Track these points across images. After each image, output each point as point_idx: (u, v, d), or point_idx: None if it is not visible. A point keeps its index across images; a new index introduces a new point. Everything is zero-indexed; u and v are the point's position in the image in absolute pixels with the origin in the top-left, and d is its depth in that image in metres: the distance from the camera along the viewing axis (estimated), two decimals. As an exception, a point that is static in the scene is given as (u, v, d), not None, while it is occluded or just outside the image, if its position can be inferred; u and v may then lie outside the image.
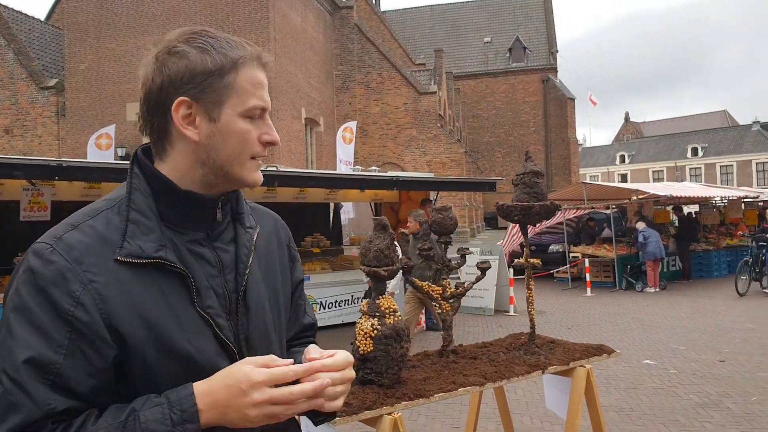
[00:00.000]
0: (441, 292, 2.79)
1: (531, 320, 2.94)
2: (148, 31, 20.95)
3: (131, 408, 0.91)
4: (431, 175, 14.30)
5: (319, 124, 25.72)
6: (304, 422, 2.40)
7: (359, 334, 2.28)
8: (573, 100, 40.51)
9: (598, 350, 2.87)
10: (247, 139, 1.04)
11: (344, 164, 16.07)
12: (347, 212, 14.07)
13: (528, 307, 2.96)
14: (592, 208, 15.47)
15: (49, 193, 7.61)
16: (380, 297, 2.34)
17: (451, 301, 2.80)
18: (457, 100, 37.86)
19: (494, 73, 41.81)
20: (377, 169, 13.35)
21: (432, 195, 11.19)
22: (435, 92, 28.48)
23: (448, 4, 47.11)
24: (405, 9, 47.21)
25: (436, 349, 2.84)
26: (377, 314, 2.30)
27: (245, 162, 1.05)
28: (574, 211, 15.64)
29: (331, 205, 12.98)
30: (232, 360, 1.02)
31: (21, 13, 23.35)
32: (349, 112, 27.64)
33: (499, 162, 41.34)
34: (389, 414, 2.16)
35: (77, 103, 21.46)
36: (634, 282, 13.07)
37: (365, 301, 2.36)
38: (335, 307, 9.45)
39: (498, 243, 13.61)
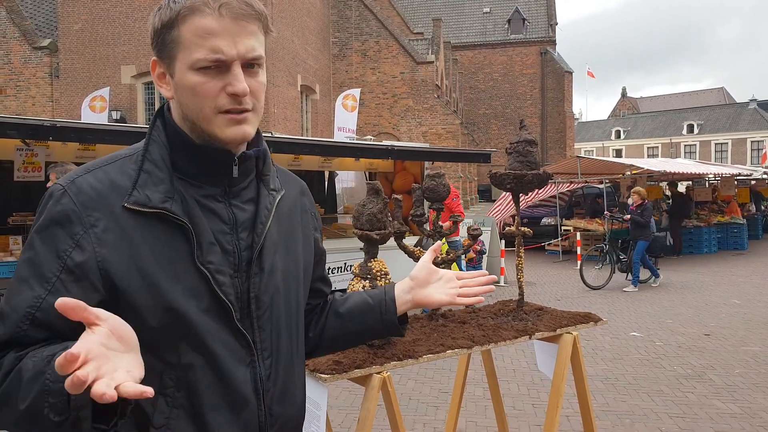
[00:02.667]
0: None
1: (520, 287, 2.99)
2: (141, -8, 20.52)
3: (63, 345, 0.88)
4: (426, 145, 14.26)
5: (315, 91, 25.48)
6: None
7: (351, 295, 2.32)
8: (571, 73, 40.22)
9: (585, 318, 2.93)
10: (198, 93, 1.00)
11: (346, 132, 15.90)
12: (344, 181, 14.06)
13: (517, 274, 3.01)
14: (586, 182, 15.53)
15: (43, 153, 7.57)
16: (372, 260, 2.38)
17: (442, 266, 2.84)
18: (455, 71, 37.50)
19: (492, 44, 41.33)
20: (372, 138, 13.30)
21: (426, 165, 11.19)
22: (432, 62, 28.18)
23: (448, -29, 46.28)
24: (404, -24, 46.36)
25: (426, 313, 2.89)
26: (369, 276, 2.34)
27: (211, 117, 1.01)
28: (568, 184, 15.69)
29: (326, 173, 12.95)
30: (227, 317, 1.03)
31: (11, -31, 22.76)
32: (345, 80, 27.36)
33: (495, 134, 41.20)
34: (378, 373, 2.21)
35: (71, 65, 21.12)
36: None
37: (357, 263, 2.39)
38: (329, 273, 9.51)
39: (489, 214, 13.69)
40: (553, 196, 15.49)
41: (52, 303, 0.85)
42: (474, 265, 7.58)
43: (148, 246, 0.98)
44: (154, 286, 0.97)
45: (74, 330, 0.87)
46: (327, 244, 2.76)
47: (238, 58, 0.99)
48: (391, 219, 2.67)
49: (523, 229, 2.92)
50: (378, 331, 1.31)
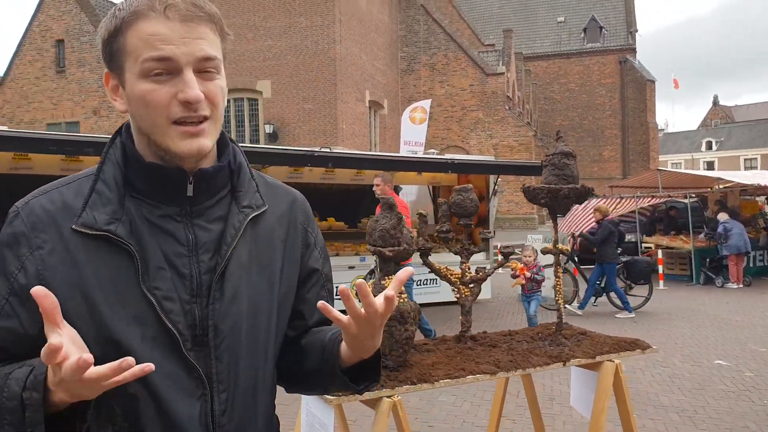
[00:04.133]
0: (460, 276, 2.68)
1: (558, 310, 2.77)
2: (221, 15, 21.51)
3: (21, 364, 0.90)
4: (491, 158, 13.97)
5: (383, 106, 25.69)
6: (305, 411, 2.38)
7: (363, 315, 2.22)
8: (653, 82, 38.31)
9: (632, 345, 2.67)
10: (148, 102, 0.93)
11: (413, 145, 15.84)
12: (409, 194, 14.00)
13: (555, 296, 2.79)
14: (669, 196, 14.64)
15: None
16: (386, 277, 2.27)
17: (471, 285, 2.69)
18: (528, 82, 36.71)
19: (568, 53, 40.12)
20: (435, 152, 13.18)
21: (492, 179, 10.91)
22: (503, 73, 27.71)
23: (518, -18, 45.60)
24: (475, -12, 46.06)
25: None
26: (382, 296, 2.23)
27: (165, 128, 0.95)
28: (649, 199, 14.83)
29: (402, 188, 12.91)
30: (174, 348, 0.96)
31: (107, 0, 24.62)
32: (413, 94, 27.41)
33: (572, 146, 39.36)
34: (389, 397, 2.09)
35: (154, 86, 22.42)
36: (714, 276, 12.23)
37: (371, 281, 2.29)
38: (430, 284, 9.46)
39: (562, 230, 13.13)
40: (633, 212, 14.70)
41: (1, 327, 0.92)
42: (530, 293, 6.71)
43: (92, 270, 0.94)
44: (95, 311, 0.93)
45: (27, 353, 0.90)
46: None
47: (188, 62, 0.93)
48: (414, 235, 2.56)
49: (560, 246, 2.71)
50: (326, 376, 1.12)
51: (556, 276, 2.73)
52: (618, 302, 9.02)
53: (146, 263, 0.95)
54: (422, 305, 8.53)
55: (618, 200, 14.33)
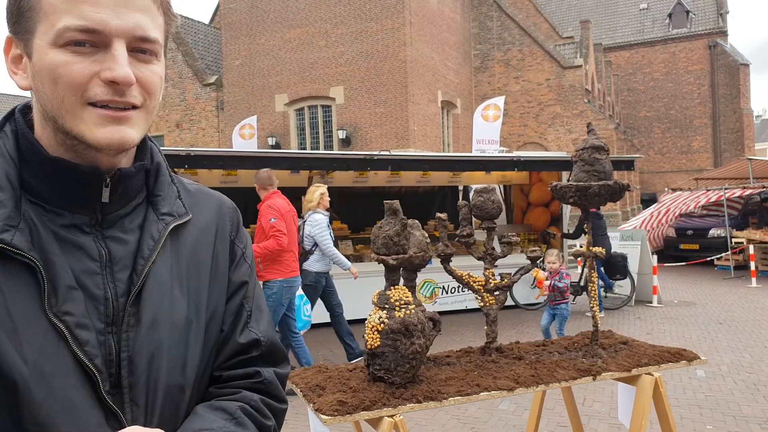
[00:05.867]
0: (484, 283, 2.53)
1: (593, 318, 2.55)
2: (293, 25, 22.13)
3: None
4: (563, 153, 13.39)
5: (456, 106, 25.37)
6: (312, 422, 2.32)
7: (367, 327, 2.13)
8: (747, 65, 35.34)
9: (676, 356, 2.40)
10: (60, 75, 0.75)
11: (486, 144, 15.55)
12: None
13: (590, 303, 2.57)
14: (763, 187, 13.44)
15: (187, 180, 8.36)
16: (391, 287, 2.16)
17: (496, 293, 2.52)
18: (608, 74, 34.97)
19: (651, 41, 37.80)
20: (503, 149, 12.80)
21: (565, 176, 10.46)
22: (581, 66, 26.56)
23: (598, -30, 43.59)
24: (551, -20, 44.55)
25: (513, 343, 2.57)
26: (386, 306, 2.13)
27: (76, 110, 0.76)
28: (741, 190, 13.69)
29: (460, 188, 12.75)
30: (91, 389, 0.77)
31: (188, 18, 26.03)
32: (488, 92, 26.84)
33: (658, 138, 37.53)
34: (391, 416, 1.98)
35: (233, 97, 23.42)
36: (815, 274, 11.11)
37: (377, 291, 2.20)
38: (458, 291, 9.25)
39: (632, 226, 12.36)
40: (721, 204, 13.61)
41: None
42: (555, 305, 5.67)
43: None
44: None
45: None
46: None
47: (121, 34, 0.75)
48: (427, 241, 2.44)
49: (594, 249, 2.49)
50: None
51: (591, 282, 2.51)
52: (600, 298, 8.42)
53: (53, 282, 0.76)
54: (452, 313, 8.32)
55: (704, 192, 13.30)
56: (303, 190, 9.94)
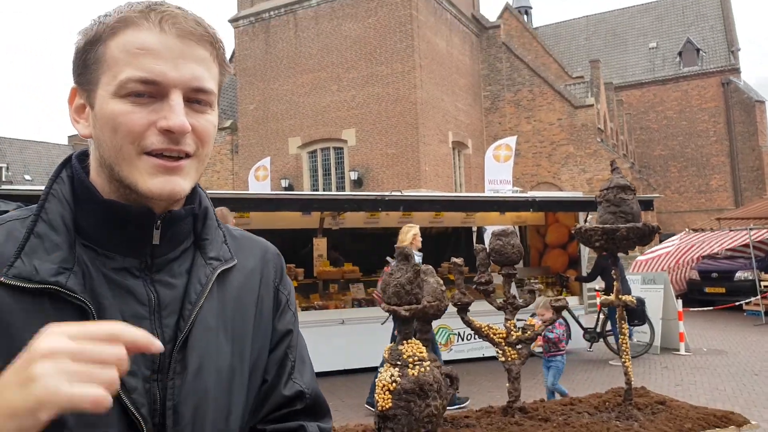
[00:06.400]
0: (505, 335, 2.32)
1: (626, 374, 2.32)
2: (306, 70, 22.53)
3: None
4: (579, 193, 13.20)
5: (467, 146, 25.43)
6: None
7: (378, 386, 1.92)
8: (762, 102, 35.22)
9: (723, 420, 2.15)
10: (120, 125, 0.76)
11: (498, 184, 15.47)
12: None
13: (622, 357, 2.34)
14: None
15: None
16: (404, 342, 1.97)
17: (518, 347, 2.31)
18: (621, 112, 35.03)
19: (663, 80, 37.97)
20: (518, 190, 12.64)
21: (582, 216, 10.24)
22: (592, 105, 26.63)
23: (604, 12, 44.18)
24: (558, 22, 45.10)
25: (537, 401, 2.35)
26: (399, 363, 1.93)
27: (132, 159, 0.77)
28: (765, 231, 13.30)
29: (474, 229, 12.56)
30: None
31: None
32: (499, 132, 26.92)
33: (675, 177, 37.21)
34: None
35: (247, 140, 23.69)
36: None
37: (388, 345, 2.00)
38: (475, 338, 8.94)
39: (650, 257, 12.00)
40: (747, 246, 13.21)
41: None
42: (549, 357, 5.36)
43: (31, 335, 0.69)
44: None
45: None
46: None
47: (178, 85, 0.77)
48: (442, 288, 2.25)
49: (625, 298, 2.28)
50: None
51: (621, 333, 2.29)
52: (615, 347, 7.97)
53: None
54: (468, 361, 8.00)
55: (727, 233, 12.95)
56: (314, 232, 9.86)
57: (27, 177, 44.28)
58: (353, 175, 21.54)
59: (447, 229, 11.56)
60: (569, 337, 8.67)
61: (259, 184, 15.92)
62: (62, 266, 0.76)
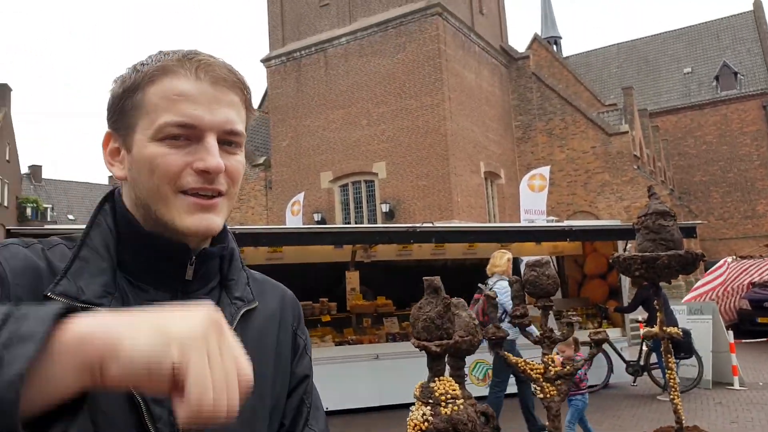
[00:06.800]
0: (543, 371, 2.21)
1: (676, 412, 2.17)
2: (336, 106, 22.93)
3: None
4: (617, 222, 12.88)
5: (499, 176, 25.27)
6: None
7: (409, 425, 1.84)
8: (807, 124, 34.19)
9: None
10: (157, 166, 0.81)
11: (534, 214, 15.30)
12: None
13: (671, 394, 2.20)
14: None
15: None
16: (436, 379, 1.88)
17: (557, 383, 2.20)
18: (656, 139, 34.41)
19: (700, 104, 37.27)
20: (553, 219, 12.42)
21: (621, 245, 9.96)
22: (626, 132, 26.24)
23: (635, 40, 43.92)
24: (588, 51, 45.02)
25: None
26: (431, 401, 1.84)
27: (169, 198, 0.81)
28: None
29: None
30: None
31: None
32: (532, 161, 26.72)
33: (718, 203, 36.12)
34: None
35: (280, 176, 24.08)
36: None
37: (420, 382, 1.92)
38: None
39: (693, 298, 11.47)
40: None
41: None
42: (573, 395, 4.99)
43: None
44: None
45: None
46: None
47: (213, 128, 0.83)
48: (477, 323, 2.17)
49: (670, 330, 2.15)
50: None
51: (668, 368, 2.16)
52: (662, 381, 7.50)
53: None
54: (507, 397, 7.79)
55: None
56: (346, 265, 9.82)
57: (70, 216, 45.85)
58: (384, 208, 21.58)
59: (481, 260, 11.38)
60: (611, 370, 8.34)
61: (293, 219, 16.11)
62: (107, 290, 0.79)
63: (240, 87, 0.87)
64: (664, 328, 2.19)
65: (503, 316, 5.59)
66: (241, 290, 0.93)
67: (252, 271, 1.02)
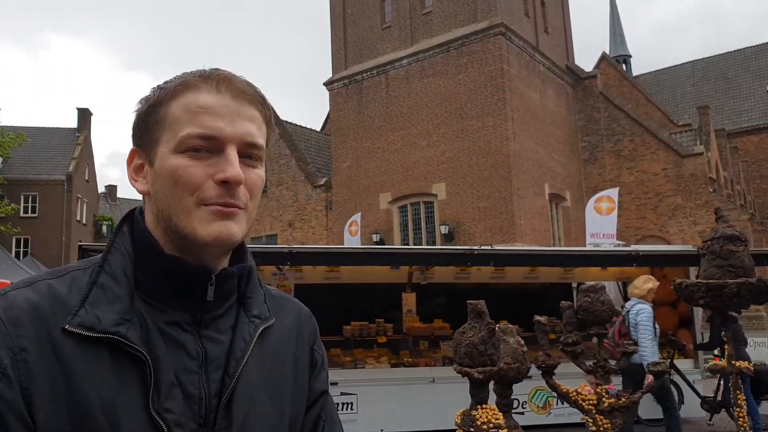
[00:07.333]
0: (596, 402, 2.07)
1: (746, 455, 1.98)
2: (397, 127, 23.10)
3: None
4: (689, 247, 12.19)
5: (565, 198, 24.58)
6: None
7: (448, 455, 1.76)
8: None
9: None
10: (180, 177, 0.82)
11: (601, 237, 14.80)
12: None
13: (738, 429, 2.01)
14: None
15: (293, 277, 8.48)
16: (478, 407, 1.80)
17: (613, 416, 2.05)
18: (736, 160, 32.57)
19: (784, 124, 35.12)
20: (620, 243, 11.90)
21: (693, 272, 9.42)
22: (702, 153, 24.99)
23: (712, 56, 41.92)
24: (660, 69, 43.34)
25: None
26: (472, 430, 1.76)
27: (190, 209, 0.82)
28: None
29: (574, 285, 11.93)
30: None
31: (302, 126, 28.16)
32: (599, 183, 25.85)
33: (807, 230, 33.64)
34: None
35: (341, 197, 24.41)
36: None
37: (461, 410, 1.84)
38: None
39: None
40: None
41: None
42: None
43: (90, 383, 0.75)
44: None
45: None
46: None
47: (233, 140, 0.84)
48: (523, 350, 2.06)
49: (739, 364, 1.97)
50: None
51: (737, 405, 1.97)
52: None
53: (158, 377, 0.78)
54: (570, 426, 7.40)
55: None
56: (403, 287, 9.75)
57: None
58: (444, 230, 21.40)
59: (544, 285, 11.04)
60: (682, 402, 7.82)
61: (352, 239, 16.26)
62: (123, 317, 0.80)
63: (260, 102, 0.89)
64: (733, 362, 2.01)
65: (645, 339, 5.56)
66: (259, 307, 0.93)
67: (269, 287, 1.02)
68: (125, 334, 0.78)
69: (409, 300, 9.24)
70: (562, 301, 2.10)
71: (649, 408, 8.00)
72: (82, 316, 0.78)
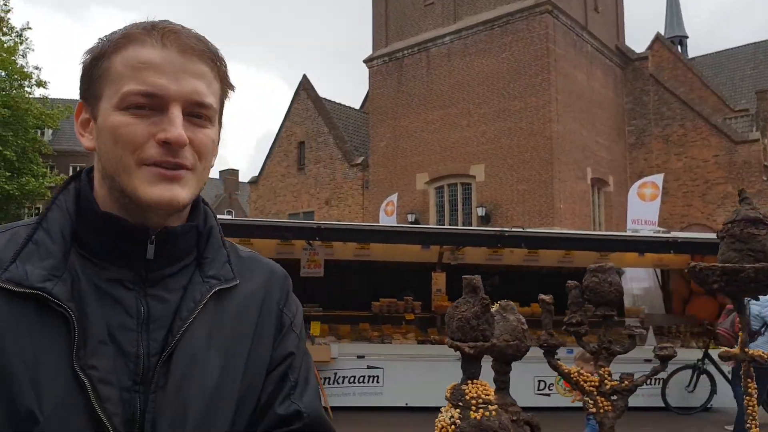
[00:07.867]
0: (597, 384, 2.01)
1: (756, 448, 1.89)
2: (436, 107, 22.82)
3: None
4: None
5: (608, 183, 23.93)
6: None
7: (436, 428, 1.74)
8: None
9: None
10: (120, 136, 0.80)
11: (642, 224, 14.43)
12: (636, 279, 12.44)
13: (747, 422, 1.92)
14: None
15: (323, 252, 8.56)
16: (469, 381, 1.76)
17: (614, 398, 1.99)
18: (794, 148, 30.96)
19: None
20: (660, 230, 11.52)
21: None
22: (757, 140, 23.83)
23: (775, 37, 39.69)
24: (718, 52, 41.28)
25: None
26: (461, 404, 1.72)
27: (131, 168, 0.80)
28: None
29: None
30: None
31: (341, 104, 28.14)
32: (644, 168, 25.02)
33: None
34: None
35: (377, 176, 24.39)
36: None
37: (451, 384, 1.81)
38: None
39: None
40: None
41: None
42: (590, 414, 4.32)
43: (13, 337, 0.76)
44: (11, 389, 0.74)
45: None
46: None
47: (178, 98, 0.81)
48: (524, 327, 2.01)
49: (752, 352, 1.87)
50: None
51: (747, 394, 1.88)
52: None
53: (84, 334, 0.77)
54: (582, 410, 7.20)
55: None
56: (433, 266, 9.72)
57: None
58: (480, 212, 21.16)
59: (578, 269, 10.82)
60: (714, 392, 7.62)
61: (388, 219, 16.26)
62: (52, 273, 0.78)
63: (211, 57, 0.84)
64: (746, 349, 1.91)
65: (762, 328, 5.51)
66: (218, 268, 0.90)
67: (242, 248, 0.99)
68: (50, 290, 0.77)
69: (439, 279, 9.22)
70: (569, 281, 2.02)
71: (679, 396, 7.80)
72: (11, 271, 0.77)
